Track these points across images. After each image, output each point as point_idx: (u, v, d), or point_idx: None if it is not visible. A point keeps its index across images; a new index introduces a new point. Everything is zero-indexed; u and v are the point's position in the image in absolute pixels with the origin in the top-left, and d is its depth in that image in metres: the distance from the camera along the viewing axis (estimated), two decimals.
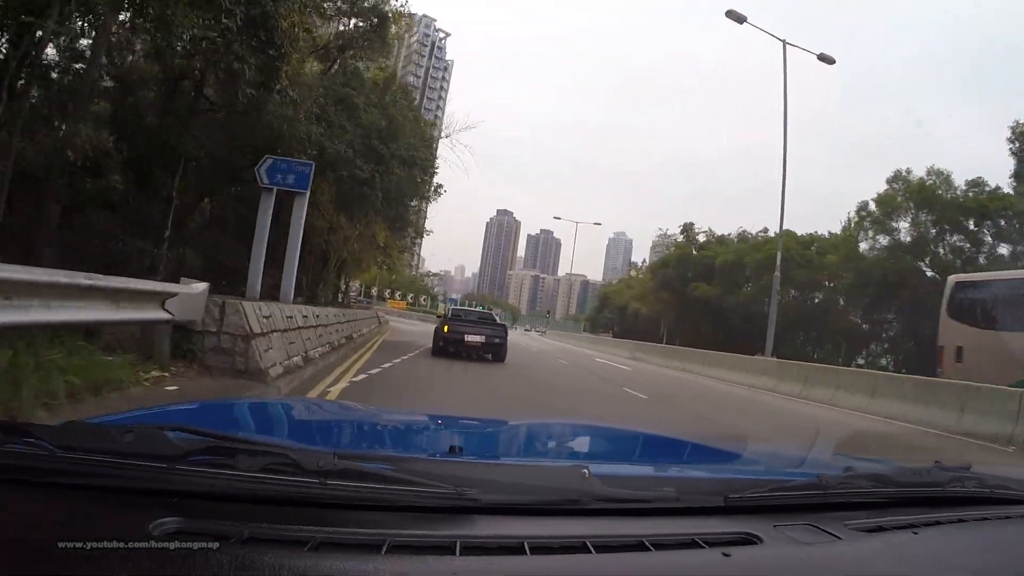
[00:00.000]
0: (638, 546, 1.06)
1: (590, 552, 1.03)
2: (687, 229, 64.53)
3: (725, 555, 1.08)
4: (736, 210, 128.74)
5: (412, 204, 27.03)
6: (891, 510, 1.41)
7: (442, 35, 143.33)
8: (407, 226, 29.09)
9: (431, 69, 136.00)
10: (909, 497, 1.48)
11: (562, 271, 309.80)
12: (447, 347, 15.35)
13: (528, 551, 1.00)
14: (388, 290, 68.28)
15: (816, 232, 52.88)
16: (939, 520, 1.39)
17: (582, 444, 2.59)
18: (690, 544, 1.10)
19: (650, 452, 2.30)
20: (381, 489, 1.06)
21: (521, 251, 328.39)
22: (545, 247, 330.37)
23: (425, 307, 77.65)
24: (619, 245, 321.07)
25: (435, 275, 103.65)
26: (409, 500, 1.07)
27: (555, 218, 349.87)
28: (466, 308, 26.14)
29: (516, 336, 46.88)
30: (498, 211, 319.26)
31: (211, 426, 1.34)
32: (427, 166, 23.25)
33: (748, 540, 1.14)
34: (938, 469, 1.62)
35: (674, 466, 2.01)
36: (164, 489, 1.01)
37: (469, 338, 15.42)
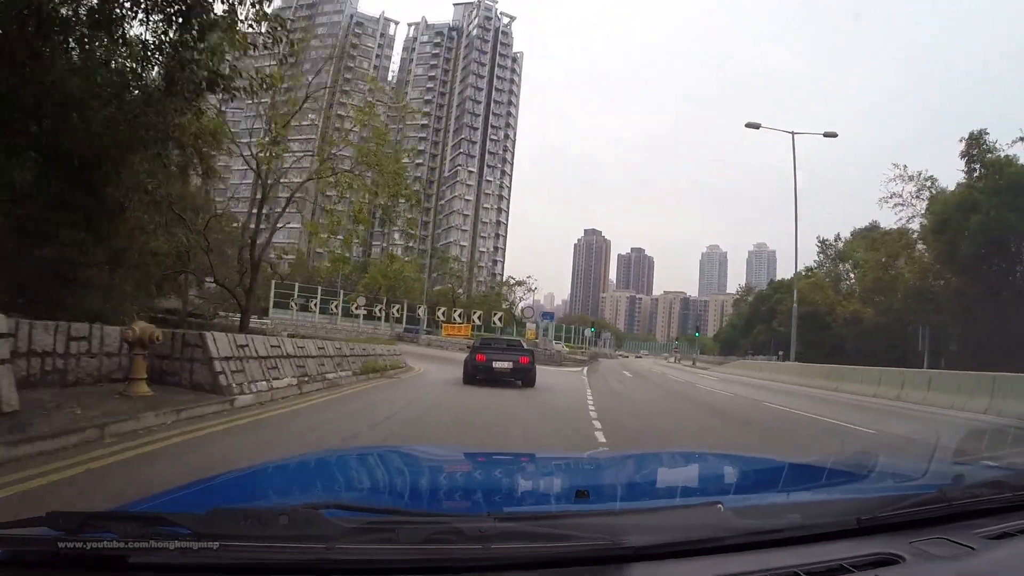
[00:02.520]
0: None
1: None
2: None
3: None
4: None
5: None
6: (1012, 514, 1.44)
7: (506, 20, 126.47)
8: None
9: (496, 61, 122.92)
10: None
11: (656, 290, 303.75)
12: (477, 375, 16.03)
13: None
14: (451, 311, 56.54)
15: None
16: None
17: (703, 476, 2.53)
18: (839, 570, 1.16)
19: (773, 478, 2.29)
20: (543, 548, 1.10)
21: (612, 273, 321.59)
22: (637, 266, 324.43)
23: (499, 328, 56.88)
24: (713, 260, 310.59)
25: (518, 283, 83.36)
26: (572, 554, 1.12)
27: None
28: (495, 337, 26.34)
29: (644, 369, 39.03)
30: (585, 231, 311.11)
31: (279, 490, 1.64)
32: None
33: (891, 560, 1.20)
34: None
35: (800, 490, 2.00)
36: (328, 569, 1.04)
37: (497, 364, 16.07)
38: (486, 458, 3.21)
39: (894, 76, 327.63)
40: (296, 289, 56.27)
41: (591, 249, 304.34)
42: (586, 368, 32.53)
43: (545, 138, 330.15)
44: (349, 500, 1.41)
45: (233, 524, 1.09)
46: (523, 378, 16.23)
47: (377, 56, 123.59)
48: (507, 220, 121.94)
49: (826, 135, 27.76)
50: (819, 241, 60.78)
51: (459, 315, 52.91)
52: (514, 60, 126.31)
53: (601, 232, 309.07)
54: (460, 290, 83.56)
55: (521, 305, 78.90)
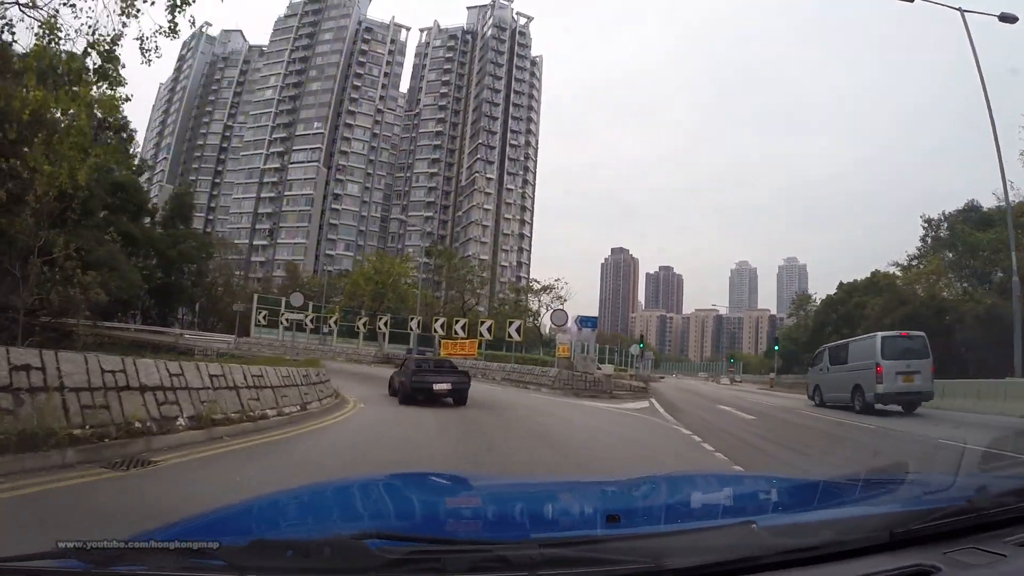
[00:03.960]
0: None
1: None
2: None
3: None
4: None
5: None
6: None
7: (523, 21, 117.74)
8: None
9: (513, 62, 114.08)
10: None
11: (686, 308, 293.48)
12: (417, 396, 15.92)
13: None
14: (452, 323, 41.00)
15: None
16: None
17: (736, 496, 2.55)
18: None
19: (805, 496, 2.33)
20: (588, 572, 1.13)
21: (641, 293, 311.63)
22: (667, 285, 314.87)
23: (515, 344, 46.14)
24: (743, 276, 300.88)
25: (544, 289, 69.46)
26: None
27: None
28: (427, 357, 25.73)
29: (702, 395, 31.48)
30: (612, 250, 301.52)
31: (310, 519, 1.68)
32: None
33: (926, 572, 1.23)
34: None
35: (833, 507, 2.02)
36: None
37: (438, 387, 16.17)
38: (519, 484, 3.30)
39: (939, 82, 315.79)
40: (284, 304, 46.73)
41: (619, 268, 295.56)
42: (658, 404, 20.19)
43: (565, 155, 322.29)
44: (392, 529, 1.36)
45: (276, 556, 1.08)
46: (457, 397, 16.54)
47: (388, 63, 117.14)
48: (531, 233, 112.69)
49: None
50: (924, 221, 48.89)
51: (462, 327, 38.46)
52: (533, 63, 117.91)
53: (628, 251, 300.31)
54: (476, 303, 71.64)
55: (547, 313, 63.15)
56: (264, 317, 46.51)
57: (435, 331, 39.96)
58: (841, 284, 75.51)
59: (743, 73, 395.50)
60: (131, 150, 62.18)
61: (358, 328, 47.86)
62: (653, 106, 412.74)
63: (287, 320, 41.34)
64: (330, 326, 47.63)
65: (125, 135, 63.06)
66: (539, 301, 70.86)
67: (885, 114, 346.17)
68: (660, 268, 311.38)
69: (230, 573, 1.00)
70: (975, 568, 1.25)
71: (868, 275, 67.64)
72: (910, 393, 16.95)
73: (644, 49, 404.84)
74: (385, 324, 46.42)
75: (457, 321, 40.59)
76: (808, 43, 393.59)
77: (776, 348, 60.29)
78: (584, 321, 29.19)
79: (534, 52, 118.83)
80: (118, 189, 50.34)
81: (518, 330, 33.99)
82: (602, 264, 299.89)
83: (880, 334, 19.36)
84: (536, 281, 75.70)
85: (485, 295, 77.29)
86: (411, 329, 44.03)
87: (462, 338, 37.04)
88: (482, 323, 36.83)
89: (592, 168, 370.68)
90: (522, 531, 1.83)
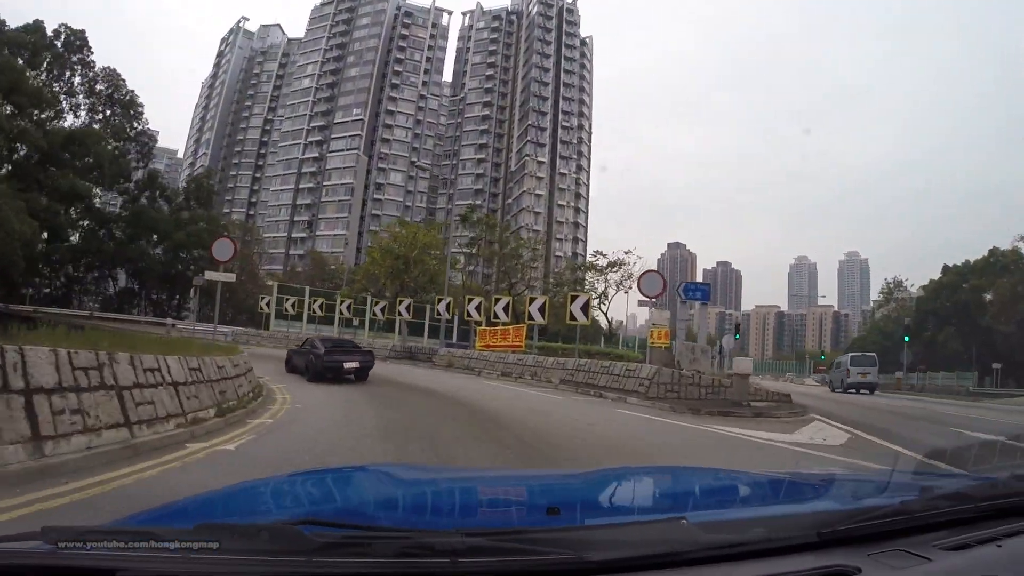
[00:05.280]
0: None
1: None
2: None
3: None
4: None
5: None
6: (973, 525, 1.48)
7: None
8: None
9: (562, 41, 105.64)
10: (988, 511, 1.54)
11: (745, 305, 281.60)
12: (327, 374, 16.79)
13: None
14: (490, 305, 31.37)
15: None
16: (1020, 530, 1.46)
17: (671, 491, 2.56)
18: None
19: (739, 492, 2.35)
20: (509, 561, 1.15)
21: None
22: (725, 280, 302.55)
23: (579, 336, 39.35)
24: (802, 272, 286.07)
25: (611, 266, 54.47)
26: (538, 568, 1.17)
27: None
28: (333, 338, 25.32)
29: None
30: (669, 245, 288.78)
31: (274, 507, 1.84)
32: None
33: (848, 572, 1.24)
34: (1013, 479, 1.75)
35: (765, 505, 2.07)
36: None
37: (347, 365, 17.34)
38: (460, 476, 3.24)
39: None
40: (307, 294, 40.26)
41: (675, 263, 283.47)
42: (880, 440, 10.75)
43: (616, 146, 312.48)
44: (325, 516, 1.44)
45: (217, 539, 1.12)
46: (362, 375, 17.71)
47: (430, 47, 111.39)
48: (586, 223, 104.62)
49: None
50: None
51: (504, 308, 27.74)
52: (583, 43, 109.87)
53: (686, 245, 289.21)
54: (526, 287, 55.38)
55: (617, 295, 54.06)
56: (293, 306, 40.01)
57: (468, 315, 30.41)
58: (947, 267, 65.62)
59: (799, 62, 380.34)
60: (138, 125, 59.00)
61: (374, 315, 38.59)
62: (704, 98, 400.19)
63: (288, 310, 35.05)
64: (341, 312, 39.11)
65: (132, 111, 60.15)
66: (606, 280, 55.39)
67: (949, 102, 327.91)
68: (718, 263, 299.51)
69: (176, 554, 1.06)
70: (898, 570, 1.26)
71: (985, 254, 58.03)
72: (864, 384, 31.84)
73: (692, 38, 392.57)
74: (408, 308, 35.59)
75: (497, 300, 30.09)
76: (869, 29, 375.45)
77: (907, 339, 49.87)
78: (691, 291, 19.66)
79: (583, 32, 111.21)
80: (71, 142, 45.76)
81: (584, 309, 23.61)
82: (658, 259, 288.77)
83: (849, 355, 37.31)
84: (601, 254, 56.28)
85: (537, 280, 61.63)
86: (438, 313, 33.82)
87: (505, 323, 27.88)
88: (531, 301, 26.00)
89: (642, 160, 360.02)
90: (455, 521, 1.89)
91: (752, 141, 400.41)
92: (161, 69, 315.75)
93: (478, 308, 29.94)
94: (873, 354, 35.79)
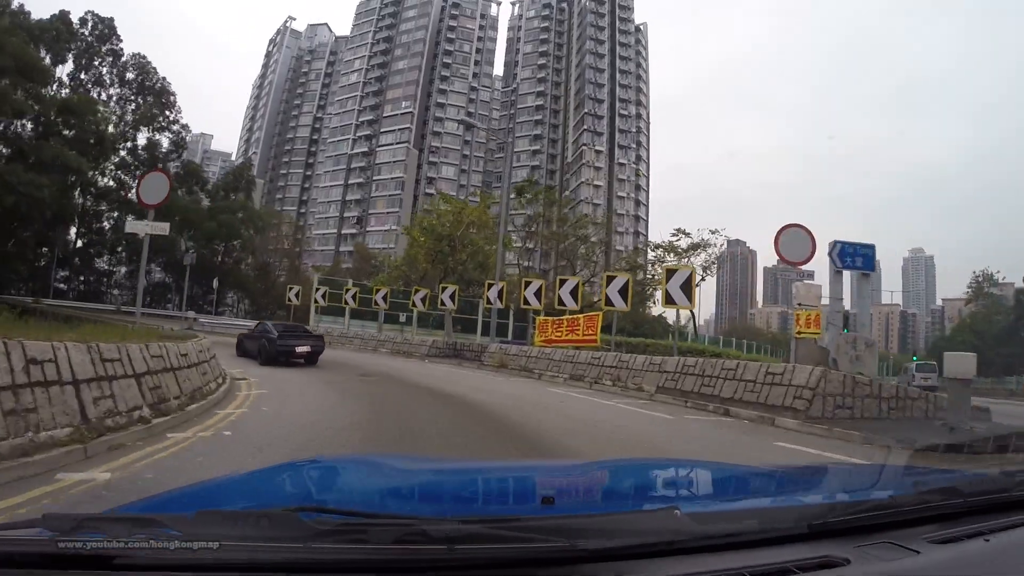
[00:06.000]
0: None
1: None
2: None
3: None
4: None
5: None
6: (963, 520, 1.49)
7: None
8: None
9: (616, 26, 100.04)
10: (978, 506, 1.55)
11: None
12: (279, 357, 17.45)
13: None
14: (554, 290, 23.59)
15: None
16: (1008, 525, 1.47)
17: (666, 482, 2.53)
18: (785, 572, 1.22)
19: (733, 484, 2.36)
20: (504, 549, 1.17)
21: (759, 288, 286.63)
22: (786, 280, 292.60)
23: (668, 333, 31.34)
24: (918, 266, 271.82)
25: (694, 248, 47.21)
26: (529, 555, 1.18)
27: None
28: (285, 323, 24.14)
29: None
30: (728, 242, 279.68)
31: (271, 496, 1.78)
32: None
33: (836, 563, 1.25)
34: (1004, 475, 1.77)
35: (758, 497, 2.11)
36: (304, 567, 1.11)
37: (299, 349, 18.10)
38: (458, 466, 3.18)
39: None
40: (350, 286, 36.12)
41: (735, 261, 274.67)
42: None
43: (672, 142, 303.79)
44: (323, 503, 1.43)
45: (218, 525, 1.15)
46: (312, 359, 18.37)
47: (479, 39, 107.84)
48: (647, 216, 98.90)
49: None
50: None
51: (571, 292, 21.86)
52: (637, 30, 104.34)
53: (746, 243, 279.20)
54: (592, 274, 47.39)
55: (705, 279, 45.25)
56: (324, 297, 35.99)
57: (526, 303, 24.73)
58: None
59: (859, 50, 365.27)
60: (170, 114, 57.00)
61: (413, 304, 32.77)
62: (761, 91, 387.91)
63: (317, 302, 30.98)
64: (377, 303, 33.65)
65: (164, 100, 58.16)
66: (689, 264, 43.96)
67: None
68: (779, 261, 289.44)
69: (177, 541, 1.07)
70: (885, 562, 1.27)
71: None
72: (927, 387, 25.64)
73: (748, 27, 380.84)
74: (453, 297, 29.65)
75: (562, 282, 22.98)
76: (945, 16, 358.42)
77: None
78: (848, 255, 14.10)
79: (637, 19, 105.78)
80: (65, 110, 42.96)
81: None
82: (718, 257, 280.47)
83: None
84: (683, 232, 47.10)
85: (599, 268, 50.80)
86: (488, 302, 27.73)
87: (573, 311, 22.06)
88: (609, 281, 19.94)
89: (700, 153, 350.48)
90: (451, 509, 1.88)
91: (813, 134, 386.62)
92: (217, 73, 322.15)
93: (537, 294, 24.10)
94: (934, 362, 38.40)
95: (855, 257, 14.78)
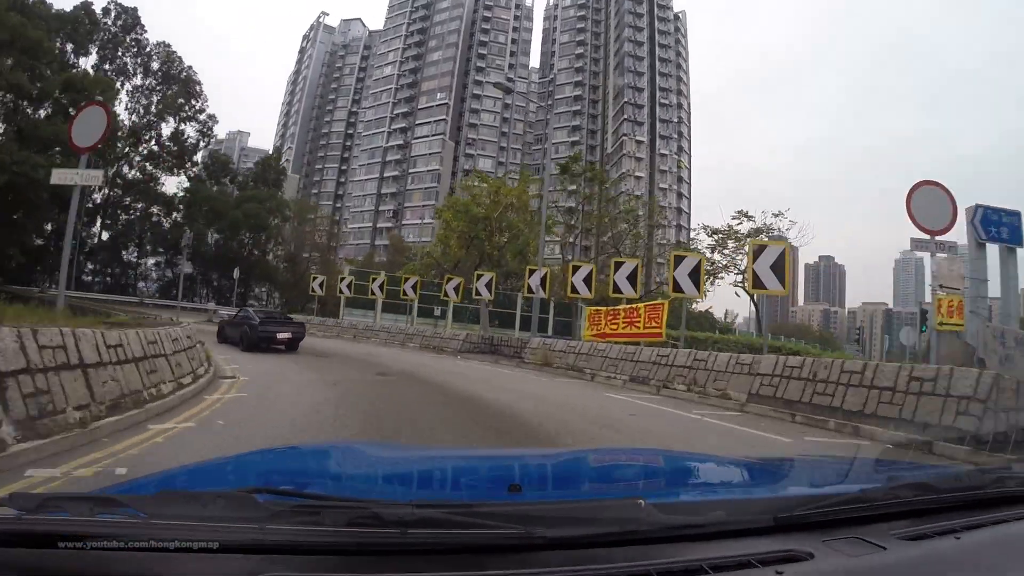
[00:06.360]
0: (697, 570, 1.16)
1: None
2: None
3: (778, 573, 1.17)
4: None
5: None
6: (934, 516, 1.47)
7: None
8: None
9: (654, 14, 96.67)
10: (950, 502, 1.53)
11: (850, 302, 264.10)
12: (260, 343, 17.79)
13: None
14: (609, 272, 19.76)
15: None
16: (980, 523, 1.45)
17: (634, 472, 2.55)
18: (746, 564, 1.19)
19: (700, 475, 2.37)
20: (457, 534, 1.17)
21: (800, 284, 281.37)
22: (827, 276, 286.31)
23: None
24: (908, 266, 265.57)
25: (758, 232, 37.32)
26: (483, 542, 1.17)
27: None
28: (265, 310, 25.12)
29: None
30: (769, 237, 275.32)
31: (250, 478, 1.81)
32: None
33: (799, 557, 1.23)
34: (978, 472, 1.76)
35: (725, 488, 2.08)
36: (258, 547, 1.11)
37: (280, 335, 18.48)
38: (427, 454, 3.12)
39: None
40: (381, 279, 33.51)
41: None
42: None
43: (716, 137, 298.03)
44: (281, 486, 1.50)
45: (177, 505, 1.19)
46: (293, 345, 18.73)
47: (515, 29, 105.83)
48: (689, 208, 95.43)
49: None
50: None
51: (629, 278, 17.84)
52: (676, 18, 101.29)
53: (788, 238, 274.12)
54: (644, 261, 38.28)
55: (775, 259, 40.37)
56: (349, 287, 33.81)
57: (574, 292, 21.26)
58: None
59: (896, 43, 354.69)
60: (196, 103, 55.79)
61: (444, 294, 29.55)
62: (798, 86, 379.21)
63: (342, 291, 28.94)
64: (405, 293, 31.18)
65: (190, 90, 56.87)
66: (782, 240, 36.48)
67: None
68: (820, 258, 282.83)
69: (138, 519, 1.10)
70: (851, 557, 1.24)
71: None
72: None
73: (783, 23, 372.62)
74: (489, 286, 26.53)
75: (618, 266, 18.86)
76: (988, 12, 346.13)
77: None
78: (992, 223, 11.51)
79: (675, 7, 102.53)
80: (68, 87, 41.42)
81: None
82: (754, 252, 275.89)
83: None
84: (745, 215, 37.73)
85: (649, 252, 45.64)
86: (528, 290, 23.93)
87: (631, 299, 18.67)
88: (678, 263, 16.43)
89: (734, 151, 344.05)
90: (411, 494, 1.90)
91: (854, 130, 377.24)
92: (253, 71, 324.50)
93: (587, 280, 20.50)
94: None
95: (1000, 227, 11.99)
